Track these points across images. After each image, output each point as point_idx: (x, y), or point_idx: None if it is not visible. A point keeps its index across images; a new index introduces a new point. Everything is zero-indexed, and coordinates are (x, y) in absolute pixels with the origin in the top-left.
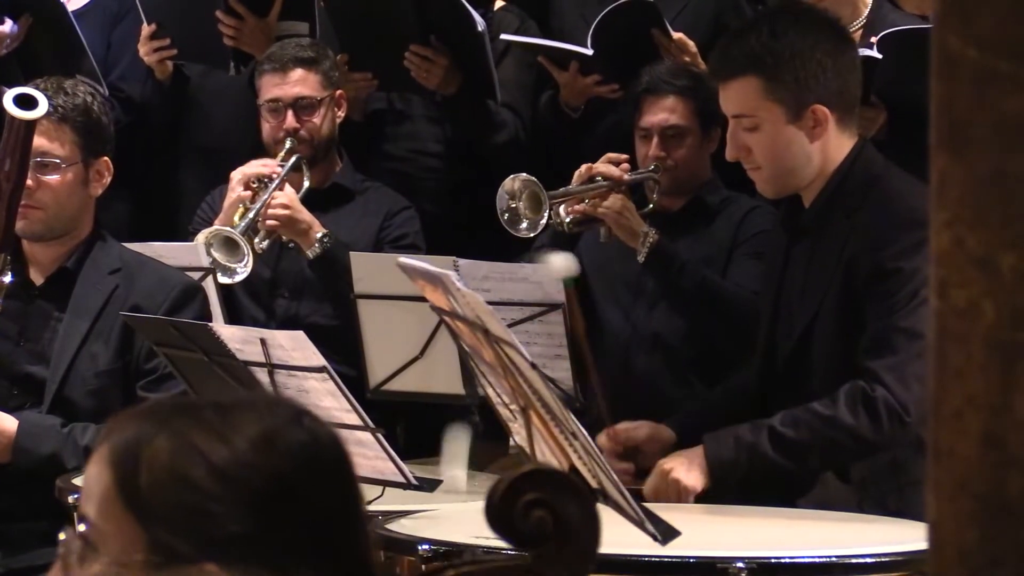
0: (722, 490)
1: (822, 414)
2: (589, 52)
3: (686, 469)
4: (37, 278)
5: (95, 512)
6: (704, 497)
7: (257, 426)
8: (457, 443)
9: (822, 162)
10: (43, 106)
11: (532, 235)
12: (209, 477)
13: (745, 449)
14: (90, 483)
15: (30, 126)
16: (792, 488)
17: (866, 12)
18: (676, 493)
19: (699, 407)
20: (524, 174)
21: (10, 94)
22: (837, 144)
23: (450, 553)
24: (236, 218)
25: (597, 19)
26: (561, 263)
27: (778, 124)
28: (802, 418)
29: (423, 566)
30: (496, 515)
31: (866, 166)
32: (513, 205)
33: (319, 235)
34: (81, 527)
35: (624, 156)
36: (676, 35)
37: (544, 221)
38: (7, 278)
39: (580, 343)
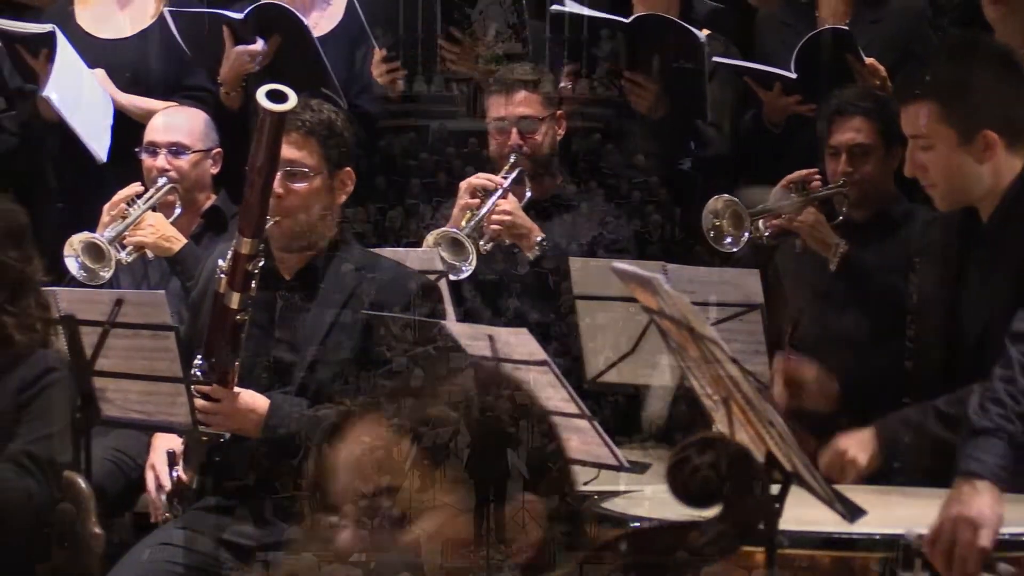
0: (890, 467)
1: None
2: (793, 76)
3: (859, 447)
4: (286, 274)
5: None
6: (875, 479)
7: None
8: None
9: (994, 181)
10: (292, 99)
11: (735, 250)
12: None
13: (913, 428)
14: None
15: (281, 118)
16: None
17: None
18: (847, 468)
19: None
20: (726, 195)
21: (262, 89)
22: (1009, 165)
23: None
24: (463, 222)
25: (799, 45)
26: None
27: (950, 147)
28: (963, 397)
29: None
30: (672, 475)
31: None
32: (717, 223)
33: (538, 239)
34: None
35: (815, 171)
36: (868, 60)
37: (746, 236)
38: (262, 262)
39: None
